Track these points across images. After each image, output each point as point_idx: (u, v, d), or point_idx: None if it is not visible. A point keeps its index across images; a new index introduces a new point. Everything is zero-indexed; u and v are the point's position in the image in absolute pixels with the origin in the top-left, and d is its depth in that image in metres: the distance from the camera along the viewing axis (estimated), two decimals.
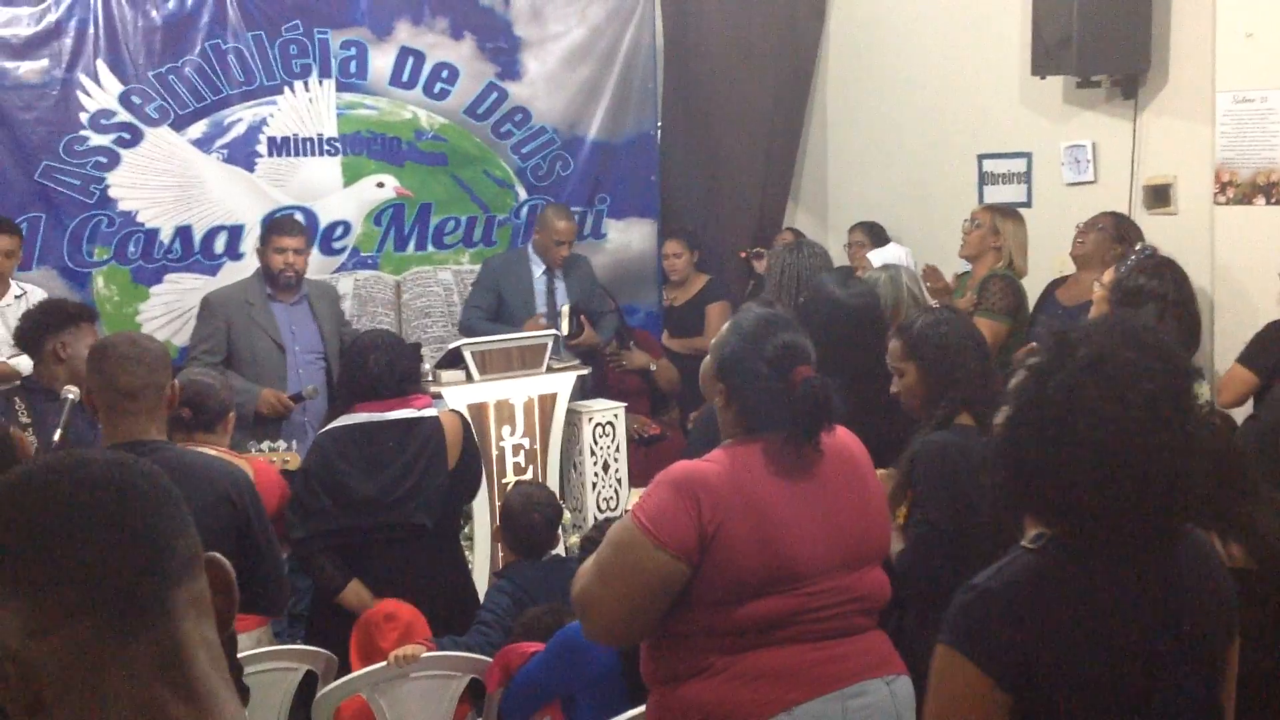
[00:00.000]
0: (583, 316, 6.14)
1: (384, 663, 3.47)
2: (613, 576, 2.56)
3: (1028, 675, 1.74)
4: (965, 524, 3.18)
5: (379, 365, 4.21)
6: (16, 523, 1.12)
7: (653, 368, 6.54)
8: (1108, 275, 4.51)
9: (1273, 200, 5.34)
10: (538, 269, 6.35)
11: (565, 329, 6.00)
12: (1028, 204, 6.38)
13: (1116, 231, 5.36)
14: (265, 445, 4.71)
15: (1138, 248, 4.87)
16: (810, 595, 2.57)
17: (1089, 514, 1.76)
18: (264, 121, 6.23)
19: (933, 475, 3.16)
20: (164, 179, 6.02)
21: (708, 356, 2.80)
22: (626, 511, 2.69)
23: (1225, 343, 5.32)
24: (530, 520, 4.07)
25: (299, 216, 6.07)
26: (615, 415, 5.88)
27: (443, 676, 3.53)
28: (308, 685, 3.58)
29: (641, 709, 2.87)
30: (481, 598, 4.26)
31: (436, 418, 4.29)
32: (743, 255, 7.25)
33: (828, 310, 3.88)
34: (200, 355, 5.44)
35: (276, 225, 5.73)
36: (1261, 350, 4.64)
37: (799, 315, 4.00)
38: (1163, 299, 4.10)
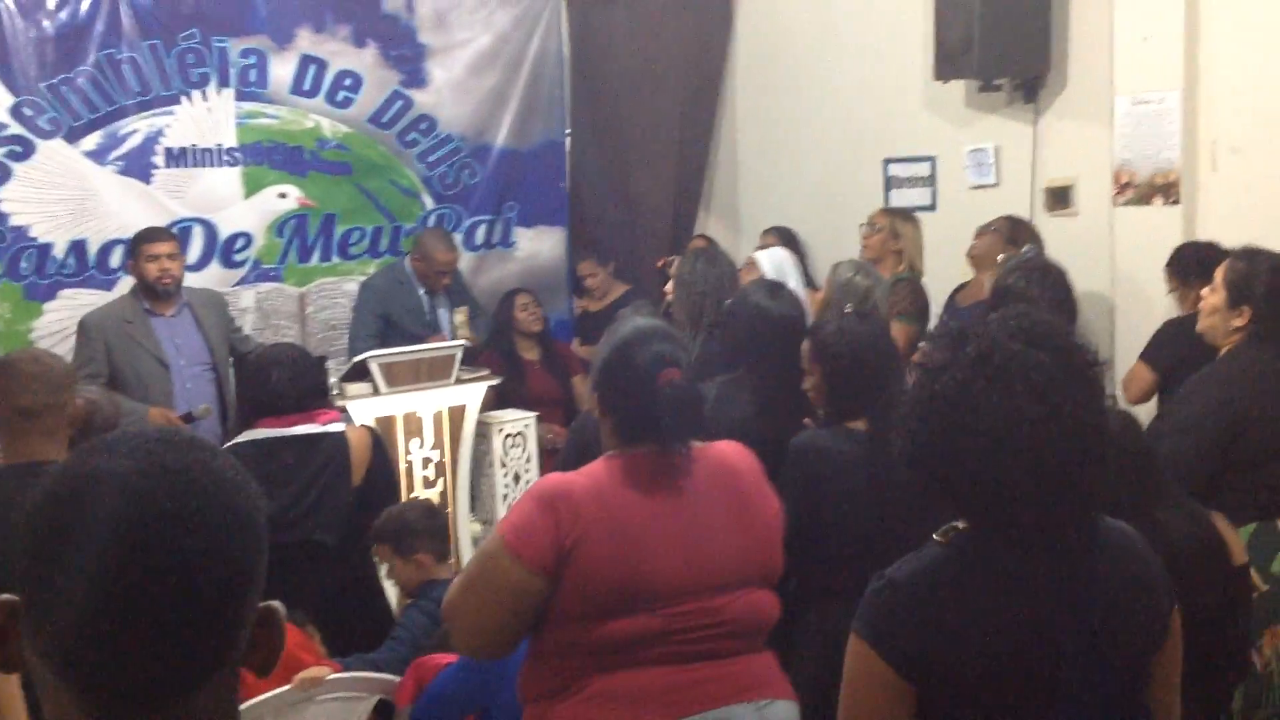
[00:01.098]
0: (464, 319, 6.10)
1: (287, 686, 3.38)
2: (474, 588, 2.52)
3: (929, 666, 1.75)
4: (817, 523, 3.20)
5: (281, 381, 4.12)
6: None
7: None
8: (986, 284, 4.54)
9: (1170, 200, 5.43)
10: (420, 288, 6.26)
11: (467, 333, 5.97)
12: (932, 207, 6.45)
13: (1010, 234, 5.43)
14: None
15: (1023, 249, 4.92)
16: (673, 616, 2.50)
17: (989, 505, 1.77)
18: (161, 132, 6.08)
19: (789, 474, 3.19)
20: (58, 192, 5.84)
21: (591, 369, 2.77)
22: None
23: (1126, 341, 5.40)
24: (406, 519, 4.01)
25: (197, 229, 5.93)
26: (526, 425, 5.82)
27: (350, 698, 3.45)
28: None
29: None
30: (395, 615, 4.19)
31: (341, 433, 4.21)
32: (659, 264, 7.22)
33: (753, 320, 3.88)
34: (81, 380, 5.24)
35: (143, 235, 5.49)
36: (1159, 347, 4.72)
37: (724, 322, 4.02)
38: (1031, 301, 4.12)
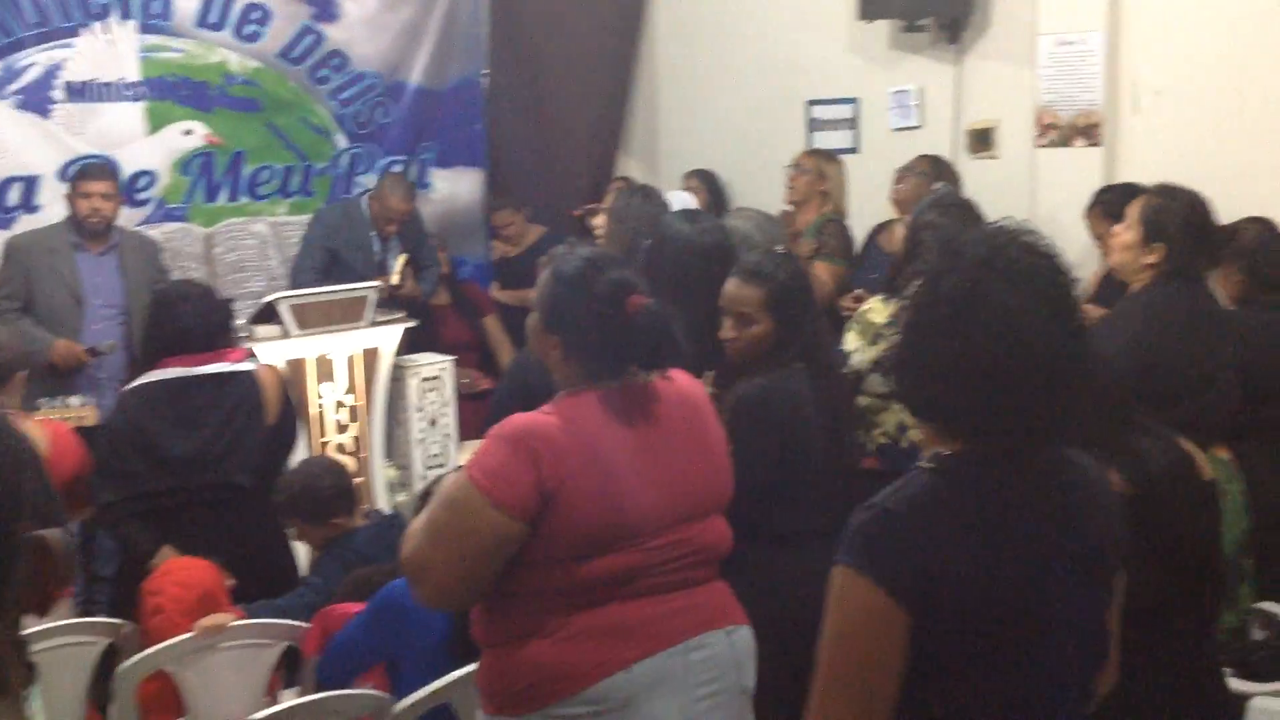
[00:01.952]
0: (412, 268, 5.97)
1: (189, 634, 3.26)
2: (447, 538, 2.40)
3: (926, 592, 1.70)
4: (793, 469, 3.15)
5: (189, 317, 3.98)
6: None
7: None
8: (899, 229, 4.49)
9: (1092, 142, 5.43)
10: (372, 229, 6.14)
11: (396, 279, 5.83)
12: (855, 150, 6.39)
13: (934, 174, 5.39)
14: (59, 401, 4.43)
15: (935, 187, 4.85)
16: (650, 550, 2.47)
17: (989, 412, 1.73)
18: (60, 65, 5.85)
19: (757, 426, 3.13)
20: None
21: (532, 312, 2.63)
22: (459, 468, 2.53)
23: None
24: (319, 490, 3.88)
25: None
26: (443, 369, 5.71)
27: (255, 646, 3.34)
28: (112, 659, 3.35)
29: (471, 669, 2.74)
30: (302, 563, 4.08)
31: (253, 372, 4.09)
32: (576, 214, 7.11)
33: (677, 249, 3.76)
34: None
35: (84, 170, 5.44)
36: (1097, 297, 4.70)
37: (646, 258, 3.91)
38: (947, 228, 4.10)
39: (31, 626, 3.19)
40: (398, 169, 6.82)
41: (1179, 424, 3.51)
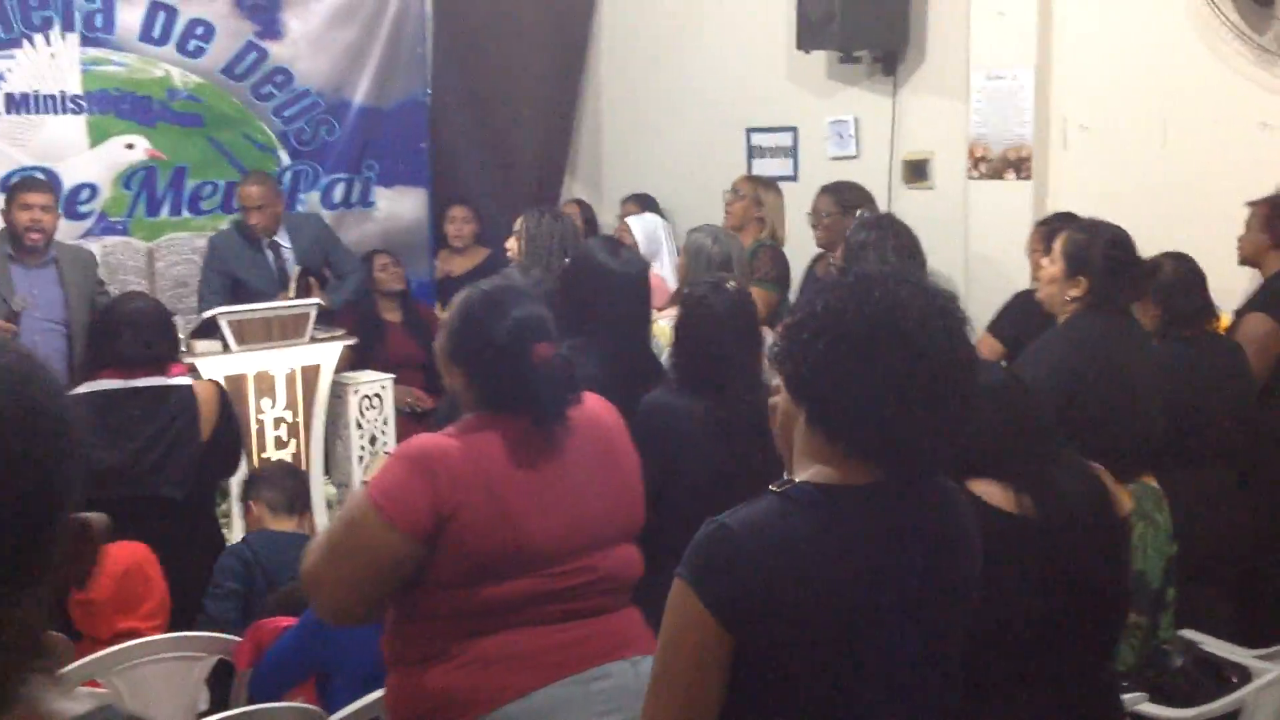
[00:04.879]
0: (311, 279, 5.93)
1: (122, 645, 3.27)
2: (341, 554, 2.42)
3: (749, 615, 1.74)
4: (669, 482, 3.20)
5: (133, 342, 4.01)
6: None
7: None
8: (839, 253, 4.56)
9: (1022, 175, 5.56)
10: (262, 240, 6.02)
11: (292, 292, 5.75)
12: (794, 178, 6.50)
13: (840, 207, 5.46)
14: None
15: (857, 213, 4.93)
16: (552, 577, 2.47)
17: (883, 428, 1.77)
18: (1, 76, 5.83)
19: (639, 434, 3.18)
20: None
21: (439, 337, 2.66)
22: (364, 484, 2.57)
23: (976, 311, 5.42)
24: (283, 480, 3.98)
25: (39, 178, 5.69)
26: (383, 387, 5.73)
27: (186, 658, 3.35)
28: None
29: None
30: None
31: (189, 386, 4.11)
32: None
33: (596, 278, 3.83)
34: None
35: (22, 183, 5.41)
36: (1005, 318, 4.82)
37: (562, 280, 3.96)
38: (884, 252, 4.18)
39: None
40: (340, 187, 6.85)
41: (1103, 450, 3.59)
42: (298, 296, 5.73)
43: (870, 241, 4.17)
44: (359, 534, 2.40)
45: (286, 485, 4.08)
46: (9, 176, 5.70)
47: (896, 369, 1.75)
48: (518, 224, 4.77)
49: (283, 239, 6.06)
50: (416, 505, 2.37)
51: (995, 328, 4.84)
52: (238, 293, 5.90)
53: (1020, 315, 4.70)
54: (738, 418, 3.33)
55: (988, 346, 4.81)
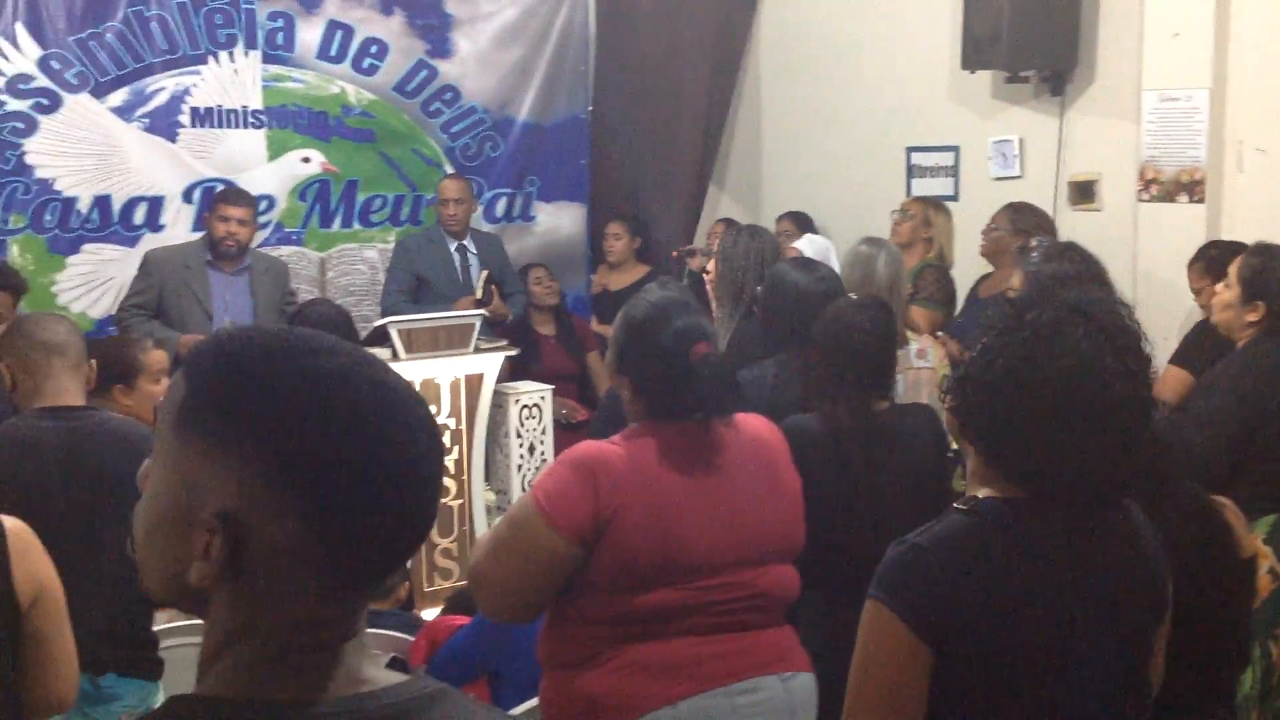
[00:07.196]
0: (495, 287, 6.11)
1: None
2: (505, 554, 2.51)
3: (949, 632, 1.76)
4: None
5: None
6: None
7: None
8: (1016, 279, 4.45)
9: (1195, 199, 5.43)
10: (452, 244, 6.32)
11: (479, 293, 5.99)
12: (954, 197, 6.43)
13: (1012, 226, 5.39)
14: None
15: (1033, 243, 4.85)
16: (704, 589, 2.51)
17: (1048, 454, 1.78)
18: (187, 91, 6.11)
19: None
20: (83, 147, 5.88)
21: (608, 349, 2.74)
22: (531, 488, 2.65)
23: (1148, 336, 5.39)
24: None
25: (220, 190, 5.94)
26: (543, 398, 5.83)
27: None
28: None
29: None
30: None
31: None
32: (675, 255, 7.22)
33: (791, 298, 3.81)
34: (129, 307, 5.44)
35: (224, 194, 5.69)
36: (1192, 349, 4.68)
37: (761, 303, 3.96)
38: (1079, 280, 4.09)
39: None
40: (502, 201, 7.02)
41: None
42: (483, 299, 5.95)
43: (1059, 274, 4.08)
44: (522, 534, 2.48)
45: None
46: (194, 187, 5.98)
47: (1076, 427, 1.76)
48: (712, 242, 4.78)
49: (470, 246, 6.30)
50: (577, 508, 2.44)
51: (1181, 358, 4.72)
52: (421, 291, 6.11)
53: (1206, 344, 4.58)
54: (880, 439, 3.29)
55: (1175, 378, 4.65)
